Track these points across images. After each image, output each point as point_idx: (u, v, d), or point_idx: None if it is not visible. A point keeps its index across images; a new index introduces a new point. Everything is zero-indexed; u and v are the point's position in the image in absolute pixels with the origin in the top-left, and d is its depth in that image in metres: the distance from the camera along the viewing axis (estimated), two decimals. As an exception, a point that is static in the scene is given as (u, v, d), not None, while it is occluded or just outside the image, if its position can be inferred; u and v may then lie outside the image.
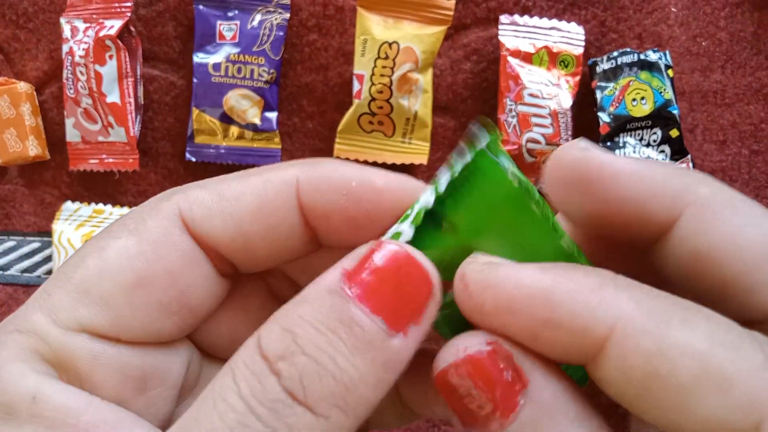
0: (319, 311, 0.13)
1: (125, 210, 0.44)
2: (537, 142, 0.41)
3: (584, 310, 0.12)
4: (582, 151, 0.14)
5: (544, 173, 0.15)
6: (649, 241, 0.15)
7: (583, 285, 0.13)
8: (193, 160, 0.43)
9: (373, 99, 0.40)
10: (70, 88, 0.42)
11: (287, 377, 0.12)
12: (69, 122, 0.43)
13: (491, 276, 0.13)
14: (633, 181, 0.14)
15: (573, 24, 0.42)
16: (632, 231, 0.14)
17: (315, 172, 0.16)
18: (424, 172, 0.44)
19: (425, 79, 0.41)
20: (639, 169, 0.14)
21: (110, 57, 0.41)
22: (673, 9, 0.44)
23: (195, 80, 0.42)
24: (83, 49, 0.41)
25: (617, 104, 0.41)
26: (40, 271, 0.46)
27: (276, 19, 0.41)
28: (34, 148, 0.44)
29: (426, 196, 0.15)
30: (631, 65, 0.41)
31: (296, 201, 0.16)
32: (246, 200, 0.16)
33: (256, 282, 0.19)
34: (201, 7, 0.41)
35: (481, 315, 0.13)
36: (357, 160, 0.43)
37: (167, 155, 0.45)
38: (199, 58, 0.41)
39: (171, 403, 0.16)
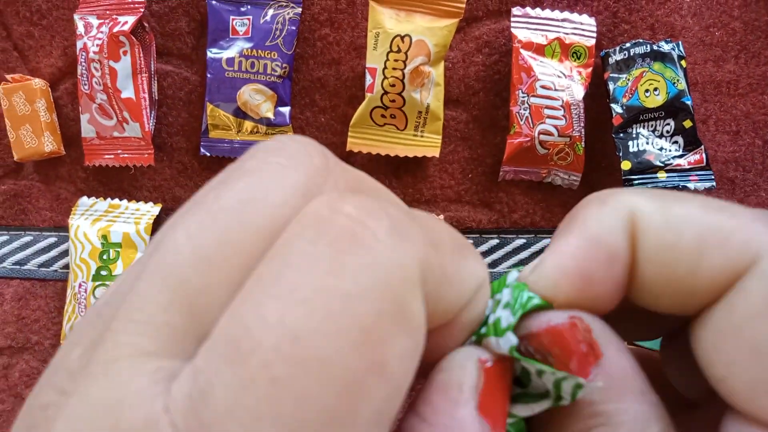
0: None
1: (141, 204, 0.45)
2: (550, 134, 0.41)
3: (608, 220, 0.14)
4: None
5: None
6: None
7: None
8: (208, 154, 0.43)
9: (386, 92, 0.41)
10: (85, 84, 0.42)
11: None
12: (84, 118, 0.43)
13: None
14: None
15: (585, 15, 0.42)
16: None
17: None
18: (435, 165, 0.45)
19: (437, 72, 0.41)
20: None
21: (124, 53, 0.42)
22: (685, -1, 0.43)
23: (209, 75, 0.42)
24: (97, 45, 0.41)
25: (630, 95, 0.41)
26: (56, 266, 0.47)
27: (288, 13, 0.41)
28: (49, 144, 0.44)
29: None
30: (643, 56, 0.41)
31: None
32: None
33: None
34: (214, 2, 0.41)
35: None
36: (370, 154, 0.43)
37: (182, 150, 0.45)
38: (212, 53, 0.42)
39: None
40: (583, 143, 0.41)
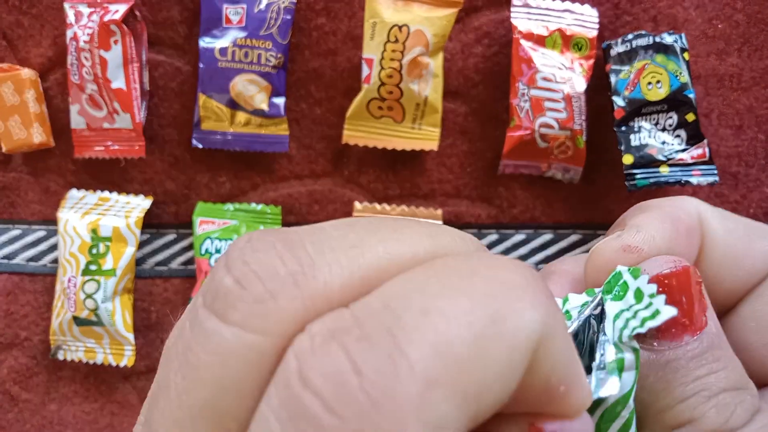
0: None
1: (131, 198, 0.44)
2: (550, 126, 0.40)
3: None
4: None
5: (588, 273, 0.17)
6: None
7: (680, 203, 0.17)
8: (200, 146, 0.42)
9: (383, 84, 0.40)
10: (75, 74, 0.41)
11: None
12: (74, 109, 0.42)
13: (647, 237, 0.16)
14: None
15: (587, 6, 0.41)
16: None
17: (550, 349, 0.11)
18: (433, 158, 0.44)
19: (436, 63, 0.40)
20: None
21: (115, 42, 0.41)
22: (689, -10, 0.43)
23: (201, 65, 0.41)
24: (88, 34, 0.41)
25: (632, 88, 0.40)
26: (45, 260, 0.46)
27: (283, 2, 0.40)
28: (38, 136, 0.43)
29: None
30: (646, 48, 0.40)
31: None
32: None
33: None
34: (207, -10, 0.40)
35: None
36: (367, 147, 0.42)
37: (173, 142, 0.44)
38: (205, 42, 0.41)
39: None
40: (584, 137, 0.41)
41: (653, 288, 0.15)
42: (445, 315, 0.10)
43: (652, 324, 0.14)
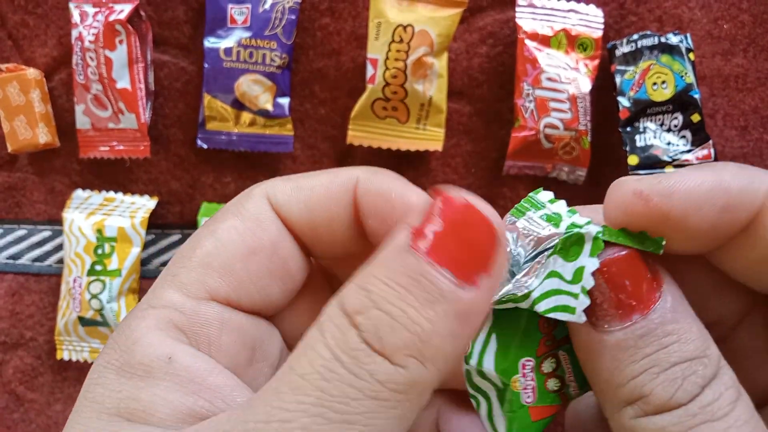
0: (389, 269, 0.14)
1: (136, 198, 0.44)
2: (555, 127, 0.40)
3: (748, 186, 0.15)
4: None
5: (607, 212, 0.17)
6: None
7: (733, 169, 0.16)
8: (205, 146, 0.43)
9: (387, 84, 0.40)
10: (80, 74, 0.41)
11: (365, 330, 0.14)
12: (79, 109, 0.42)
13: (672, 185, 0.15)
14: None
15: (592, 6, 0.41)
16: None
17: (372, 176, 0.19)
18: (438, 159, 0.44)
19: (440, 64, 0.40)
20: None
21: (120, 42, 0.41)
22: (694, -9, 0.42)
23: (206, 65, 0.41)
24: (93, 34, 0.41)
25: (637, 88, 0.40)
26: (51, 260, 0.46)
27: (288, 2, 0.40)
28: (44, 136, 0.43)
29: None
30: (651, 48, 0.40)
31: (353, 196, 0.19)
32: (316, 191, 0.19)
33: (325, 286, 0.22)
34: (212, -10, 0.41)
35: (667, 221, 0.16)
36: (371, 147, 0.42)
37: (178, 142, 0.44)
38: (210, 42, 0.41)
39: (267, 380, 0.18)
40: (589, 137, 0.41)
41: (591, 282, 0.15)
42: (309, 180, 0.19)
43: (558, 316, 0.15)
